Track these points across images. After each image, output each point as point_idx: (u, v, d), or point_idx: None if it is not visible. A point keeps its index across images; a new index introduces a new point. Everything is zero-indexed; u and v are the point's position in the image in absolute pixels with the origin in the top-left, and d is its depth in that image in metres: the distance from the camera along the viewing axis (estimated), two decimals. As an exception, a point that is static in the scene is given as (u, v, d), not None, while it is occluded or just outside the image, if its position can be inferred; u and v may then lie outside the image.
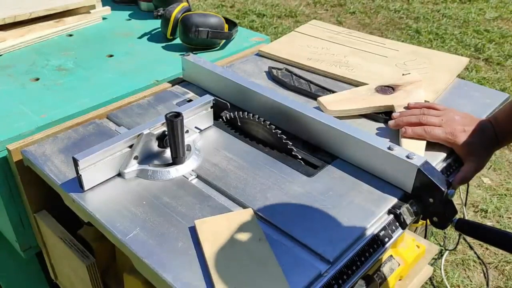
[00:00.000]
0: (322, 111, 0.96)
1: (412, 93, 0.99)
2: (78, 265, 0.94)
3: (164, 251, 0.68)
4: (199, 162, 0.85)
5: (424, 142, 0.88)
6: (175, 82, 1.13)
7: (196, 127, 0.93)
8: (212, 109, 0.95)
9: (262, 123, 0.91)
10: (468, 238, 1.86)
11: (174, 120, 0.78)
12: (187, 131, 0.87)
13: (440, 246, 1.83)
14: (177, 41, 1.33)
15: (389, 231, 0.74)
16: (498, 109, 1.03)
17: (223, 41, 1.31)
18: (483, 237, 0.81)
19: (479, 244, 1.87)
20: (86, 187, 0.78)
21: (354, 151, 0.84)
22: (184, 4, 1.33)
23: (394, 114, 0.93)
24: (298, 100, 1.04)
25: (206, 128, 0.96)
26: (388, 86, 1.02)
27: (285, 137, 0.88)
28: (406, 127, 0.88)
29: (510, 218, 2.00)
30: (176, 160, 0.83)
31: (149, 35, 1.38)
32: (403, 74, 1.07)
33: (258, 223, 0.72)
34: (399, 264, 1.13)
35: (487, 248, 1.86)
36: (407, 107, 0.95)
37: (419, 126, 0.88)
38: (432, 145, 0.88)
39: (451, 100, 1.04)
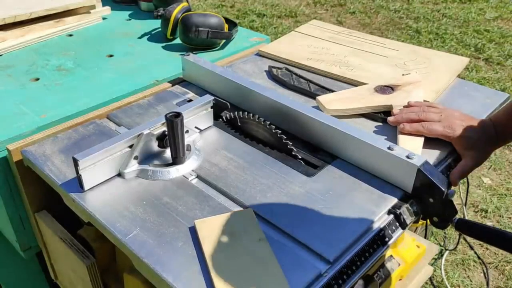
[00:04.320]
0: (321, 110, 0.96)
1: (411, 93, 0.99)
2: (78, 265, 0.94)
3: (164, 251, 0.68)
4: (199, 162, 0.85)
5: (422, 140, 0.88)
6: (175, 82, 1.13)
7: (196, 127, 0.93)
8: (212, 109, 0.95)
9: (262, 123, 0.91)
10: (468, 238, 1.86)
11: (174, 120, 0.78)
12: (187, 131, 0.87)
13: (440, 246, 1.83)
14: (177, 41, 1.33)
15: (389, 231, 0.74)
16: (499, 109, 1.03)
17: (223, 41, 1.31)
18: (483, 237, 0.80)
19: (479, 244, 1.87)
20: (86, 187, 0.78)
21: (354, 151, 0.84)
22: (184, 4, 1.33)
23: (394, 111, 0.93)
24: (298, 100, 1.04)
25: (206, 128, 0.96)
26: (387, 86, 1.02)
27: (285, 137, 0.88)
28: (405, 124, 0.89)
29: (510, 218, 2.00)
30: (176, 160, 0.83)
31: (149, 35, 1.38)
32: (403, 75, 1.07)
33: (258, 223, 0.72)
34: (399, 264, 1.13)
35: (487, 248, 1.86)
36: (407, 106, 0.95)
37: (418, 123, 0.88)
38: (431, 145, 0.88)
39: (451, 100, 1.04)
